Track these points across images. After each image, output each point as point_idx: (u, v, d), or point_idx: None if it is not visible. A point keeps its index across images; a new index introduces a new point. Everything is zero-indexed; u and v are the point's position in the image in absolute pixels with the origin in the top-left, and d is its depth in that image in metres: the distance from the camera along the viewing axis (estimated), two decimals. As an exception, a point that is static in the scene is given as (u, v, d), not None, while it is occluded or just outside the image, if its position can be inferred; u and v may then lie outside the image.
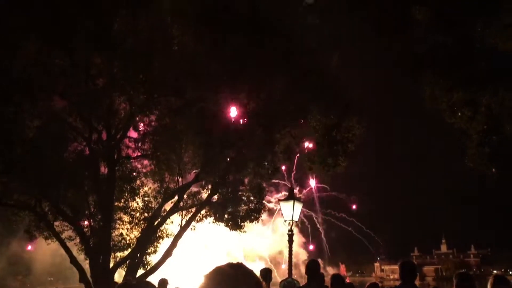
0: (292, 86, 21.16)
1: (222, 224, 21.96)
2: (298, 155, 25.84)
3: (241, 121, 21.40)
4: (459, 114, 13.95)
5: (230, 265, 2.93)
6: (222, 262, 3.10)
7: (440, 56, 13.62)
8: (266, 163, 21.23)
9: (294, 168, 22.60)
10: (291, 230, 14.76)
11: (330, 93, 20.43)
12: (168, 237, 21.64)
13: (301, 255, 59.41)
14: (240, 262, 2.98)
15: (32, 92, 17.46)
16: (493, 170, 13.88)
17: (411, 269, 7.59)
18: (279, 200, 16.21)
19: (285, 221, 15.07)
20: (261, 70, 20.61)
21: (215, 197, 21.57)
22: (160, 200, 21.21)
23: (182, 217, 21.49)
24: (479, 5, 12.32)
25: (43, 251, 37.78)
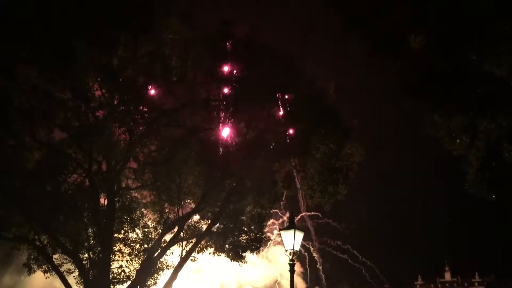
0: (292, 114, 21.33)
1: (222, 255, 21.74)
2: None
3: (241, 150, 21.42)
4: (458, 141, 13.98)
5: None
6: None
7: (437, 82, 13.76)
8: (266, 193, 21.16)
9: (283, 197, 22.42)
10: (292, 260, 14.59)
11: (329, 121, 20.55)
12: (168, 269, 21.36)
13: (299, 285, 58.27)
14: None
15: (33, 123, 17.59)
16: (493, 196, 13.84)
17: None
18: (280, 229, 16.06)
19: (286, 250, 14.90)
20: (259, 97, 20.80)
21: (216, 227, 21.41)
22: (160, 231, 21.03)
23: (182, 248, 21.26)
24: (472, 34, 12.52)
25: (36, 283, 37.24)
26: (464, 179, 14.23)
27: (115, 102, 19.26)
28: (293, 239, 14.49)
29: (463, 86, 13.29)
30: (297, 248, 14.63)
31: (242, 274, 49.98)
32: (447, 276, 74.62)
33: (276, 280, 54.76)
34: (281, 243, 30.63)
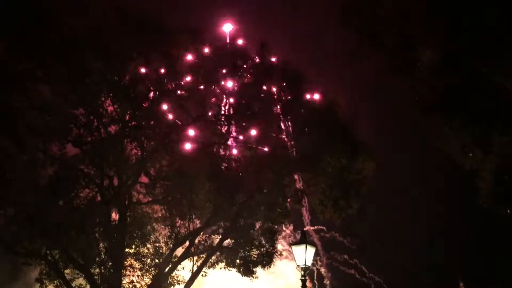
0: (302, 128, 21.36)
1: (233, 270, 21.62)
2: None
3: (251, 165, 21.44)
4: (470, 154, 13.87)
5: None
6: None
7: (448, 96, 13.71)
8: (277, 207, 21.10)
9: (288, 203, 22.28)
10: (304, 276, 14.47)
11: (340, 135, 20.53)
12: (179, 284, 21.28)
13: None
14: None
15: (46, 140, 17.81)
16: (508, 211, 13.67)
17: None
18: (291, 244, 15.97)
19: (298, 266, 14.79)
20: (270, 112, 20.89)
21: (226, 242, 21.34)
22: (171, 245, 21.00)
23: (193, 263, 21.19)
24: (483, 47, 12.50)
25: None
26: (478, 194, 14.09)
27: (127, 117, 19.44)
28: (305, 254, 14.39)
29: (475, 99, 13.22)
30: (309, 263, 14.50)
31: None
32: (462, 290, 73.57)
33: None
34: (286, 257, 30.43)
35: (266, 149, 21.55)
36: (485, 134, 13.28)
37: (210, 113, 21.44)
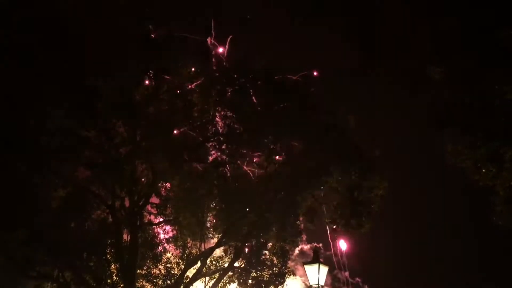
0: (312, 146, 21.31)
1: (246, 290, 21.44)
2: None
3: (262, 184, 21.38)
4: (484, 171, 13.78)
5: None
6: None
7: (459, 113, 13.68)
8: (288, 226, 20.97)
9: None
10: (317, 296, 14.33)
11: (350, 153, 20.45)
12: (192, 305, 21.13)
13: None
14: None
15: (59, 162, 17.94)
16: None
17: None
18: (304, 263, 15.86)
19: (311, 286, 14.68)
20: (280, 130, 20.90)
21: (238, 261, 21.20)
22: (183, 266, 20.90)
23: (205, 284, 21.05)
24: (495, 63, 12.49)
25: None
26: (492, 211, 13.95)
27: (138, 138, 19.57)
28: (318, 274, 14.30)
29: (487, 116, 13.17)
30: (322, 283, 14.42)
31: None
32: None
33: None
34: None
35: (276, 167, 21.51)
36: (499, 150, 13.19)
37: (220, 133, 21.49)
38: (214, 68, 22.85)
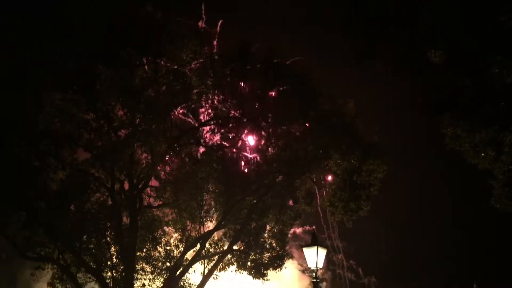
0: (312, 130, 21.31)
1: (245, 272, 21.63)
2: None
3: (261, 168, 21.43)
4: (483, 154, 13.78)
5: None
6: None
7: (459, 97, 13.63)
8: (287, 209, 21.08)
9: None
10: (316, 278, 14.45)
11: (349, 137, 20.47)
12: (191, 287, 21.32)
13: None
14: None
15: (57, 145, 17.94)
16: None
17: None
18: (302, 246, 15.94)
19: (309, 268, 14.78)
20: (279, 114, 20.88)
21: (237, 244, 21.36)
22: (182, 249, 21.05)
23: (204, 266, 21.23)
24: (494, 47, 12.41)
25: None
26: (490, 194, 13.99)
27: (137, 121, 19.53)
28: (316, 256, 14.38)
29: (486, 100, 13.12)
30: (321, 265, 14.50)
31: None
32: (475, 292, 72.88)
33: None
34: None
35: (275, 151, 21.54)
36: (498, 135, 13.18)
37: (219, 116, 21.46)
38: (214, 51, 22.71)
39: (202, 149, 21.43)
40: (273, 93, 21.93)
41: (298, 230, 41.18)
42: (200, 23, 23.53)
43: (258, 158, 22.04)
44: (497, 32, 12.43)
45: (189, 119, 22.49)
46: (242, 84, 21.57)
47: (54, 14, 17.60)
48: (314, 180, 22.03)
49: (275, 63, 21.49)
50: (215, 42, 23.42)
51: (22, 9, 17.93)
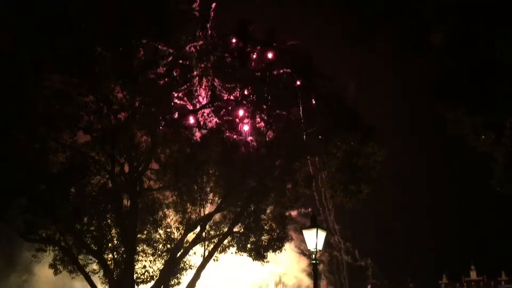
0: (312, 112, 21.26)
1: (245, 254, 21.78)
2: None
3: (261, 150, 21.43)
4: (483, 137, 13.73)
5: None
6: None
7: (460, 79, 13.53)
8: (287, 192, 21.11)
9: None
10: (315, 259, 14.53)
11: (349, 119, 20.41)
12: (191, 269, 21.50)
13: (306, 282, 56.27)
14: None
15: (57, 127, 17.88)
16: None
17: None
18: (302, 228, 15.99)
19: (309, 250, 14.84)
20: (279, 97, 20.81)
21: (237, 227, 21.45)
22: (183, 231, 21.17)
23: (204, 248, 21.36)
24: (497, 28, 12.28)
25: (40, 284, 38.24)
26: (490, 177, 13.98)
27: (137, 104, 19.46)
28: (316, 238, 14.42)
29: (488, 82, 13.03)
30: (320, 247, 14.55)
31: (244, 274, 48.87)
32: (473, 274, 73.32)
33: (280, 278, 54.09)
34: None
35: (275, 134, 21.51)
36: (499, 118, 13.12)
37: (219, 99, 21.38)
38: (210, 32, 22.48)
39: (201, 132, 21.35)
40: (273, 75, 21.80)
41: (294, 213, 41.34)
42: (194, 5, 23.25)
43: (257, 141, 21.99)
44: (500, 13, 12.29)
45: (189, 102, 22.38)
46: (241, 66, 21.44)
47: None
48: (314, 162, 22.02)
49: (275, 45, 21.37)
50: (209, 25, 23.16)
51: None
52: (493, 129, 13.57)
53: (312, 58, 22.24)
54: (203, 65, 20.21)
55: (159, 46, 20.03)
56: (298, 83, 22.06)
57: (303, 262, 53.74)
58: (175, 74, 20.07)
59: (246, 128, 23.06)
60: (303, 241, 15.00)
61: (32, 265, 22.02)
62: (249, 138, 22.60)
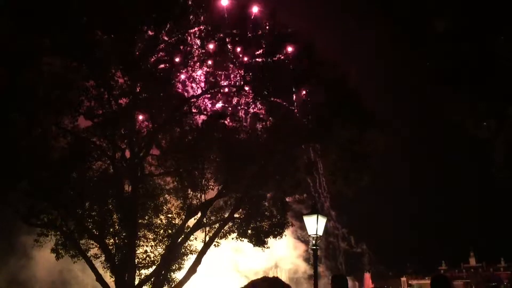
0: (313, 98, 21.20)
1: (245, 240, 21.89)
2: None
3: (262, 136, 21.41)
4: (485, 124, 13.73)
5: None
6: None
7: (463, 69, 13.47)
8: (288, 178, 21.14)
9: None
10: (315, 245, 14.63)
11: (350, 106, 20.36)
12: (192, 254, 21.65)
13: (303, 268, 56.50)
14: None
15: (57, 113, 17.87)
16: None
17: (444, 285, 6.84)
18: (302, 214, 16.08)
19: (310, 235, 14.94)
20: (281, 83, 20.73)
21: (238, 212, 21.53)
22: (184, 216, 21.25)
23: (205, 233, 21.48)
24: (500, 19, 12.20)
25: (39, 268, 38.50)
26: (491, 164, 14.01)
27: (138, 89, 19.41)
28: (316, 224, 14.52)
29: (491, 71, 12.98)
30: (320, 233, 14.65)
31: (240, 261, 49.03)
32: (472, 261, 73.85)
33: (276, 264, 54.44)
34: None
35: (277, 120, 21.48)
36: (501, 106, 13.10)
37: (221, 85, 21.30)
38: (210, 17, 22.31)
39: (203, 118, 21.32)
40: (275, 61, 21.69)
41: (289, 199, 41.41)
42: None
43: (259, 127, 21.96)
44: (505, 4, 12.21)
45: (190, 87, 22.29)
46: (243, 51, 21.34)
47: None
48: (315, 149, 22.02)
49: (277, 30, 21.23)
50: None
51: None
52: (494, 117, 13.56)
53: (314, 43, 22.12)
54: (204, 50, 20.10)
55: (161, 30, 19.94)
56: (300, 68, 21.97)
57: (300, 248, 54.06)
58: (176, 59, 20.00)
59: (246, 114, 23.00)
60: (299, 227, 15.10)
61: (32, 250, 22.06)
62: (250, 124, 22.55)
